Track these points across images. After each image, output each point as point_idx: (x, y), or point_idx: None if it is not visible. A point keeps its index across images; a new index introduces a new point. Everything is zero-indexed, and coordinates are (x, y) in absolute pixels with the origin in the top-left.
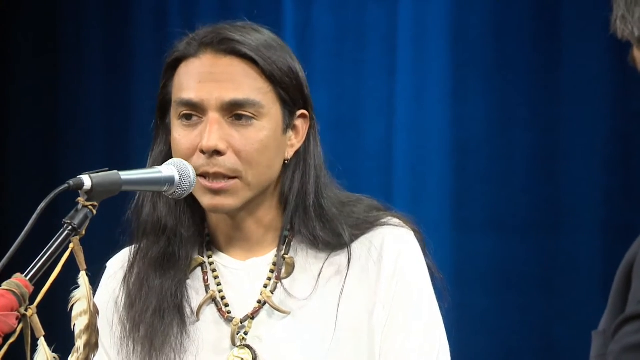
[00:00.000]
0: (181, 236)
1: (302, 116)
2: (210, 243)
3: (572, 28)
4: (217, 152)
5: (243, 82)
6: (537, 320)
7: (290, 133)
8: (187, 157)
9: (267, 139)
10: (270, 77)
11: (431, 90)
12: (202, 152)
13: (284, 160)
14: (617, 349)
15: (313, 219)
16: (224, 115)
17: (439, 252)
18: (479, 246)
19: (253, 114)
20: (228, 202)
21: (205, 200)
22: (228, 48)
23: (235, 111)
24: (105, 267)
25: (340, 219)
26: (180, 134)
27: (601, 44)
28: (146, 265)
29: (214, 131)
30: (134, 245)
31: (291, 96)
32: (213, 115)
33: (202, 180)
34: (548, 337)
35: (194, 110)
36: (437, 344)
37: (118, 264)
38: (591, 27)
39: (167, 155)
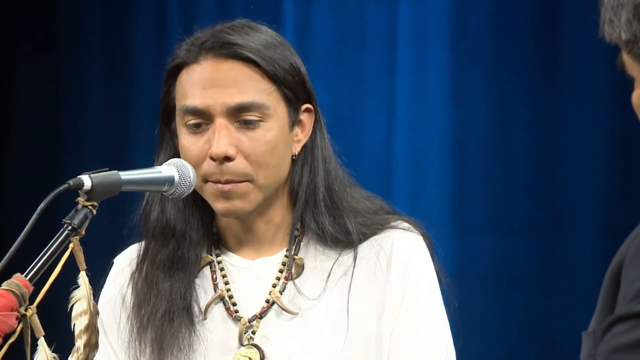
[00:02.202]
0: (190, 238)
1: (307, 110)
2: (218, 242)
3: (572, 28)
4: (227, 158)
5: (246, 85)
6: (537, 320)
7: (297, 129)
8: (197, 164)
9: (275, 139)
10: (273, 77)
11: (431, 90)
12: (212, 158)
13: (292, 157)
14: (607, 349)
15: (323, 212)
16: (231, 120)
17: (438, 252)
18: (479, 246)
19: (259, 117)
20: (240, 205)
21: (218, 205)
22: (229, 52)
23: (241, 115)
24: (112, 263)
25: (350, 215)
26: (189, 141)
27: (601, 44)
28: (154, 268)
29: (222, 137)
30: (141, 245)
31: (295, 93)
32: (220, 121)
33: (213, 185)
34: (548, 337)
35: (200, 117)
36: (445, 348)
37: (125, 260)
38: (591, 27)
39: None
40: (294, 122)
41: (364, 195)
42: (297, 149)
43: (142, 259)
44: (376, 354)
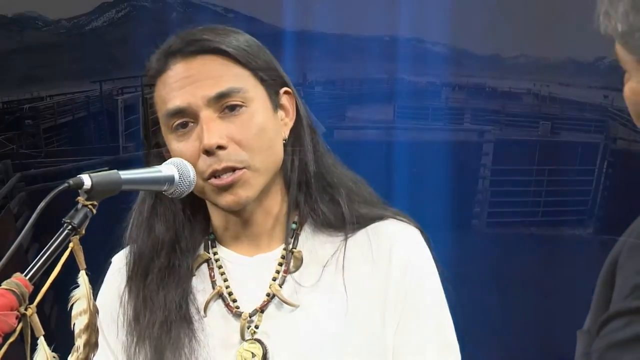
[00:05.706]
0: (180, 249)
1: (286, 93)
2: (214, 240)
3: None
4: (220, 148)
5: (221, 75)
6: (537, 320)
7: (281, 112)
8: (193, 164)
9: (262, 122)
10: (243, 62)
11: (431, 90)
12: (206, 152)
13: (283, 141)
14: (602, 345)
15: (315, 193)
16: (215, 111)
17: (438, 252)
18: (479, 247)
19: (241, 101)
20: (244, 194)
21: (222, 200)
22: (196, 49)
23: (224, 103)
24: (111, 262)
25: (343, 195)
26: (178, 146)
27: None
28: (147, 282)
29: (210, 129)
30: (131, 256)
31: (269, 75)
32: (205, 114)
33: (213, 181)
34: (548, 337)
35: (185, 117)
36: (451, 341)
37: (123, 260)
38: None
39: None
40: (277, 105)
41: (353, 178)
42: (285, 133)
43: (135, 273)
44: (380, 347)
